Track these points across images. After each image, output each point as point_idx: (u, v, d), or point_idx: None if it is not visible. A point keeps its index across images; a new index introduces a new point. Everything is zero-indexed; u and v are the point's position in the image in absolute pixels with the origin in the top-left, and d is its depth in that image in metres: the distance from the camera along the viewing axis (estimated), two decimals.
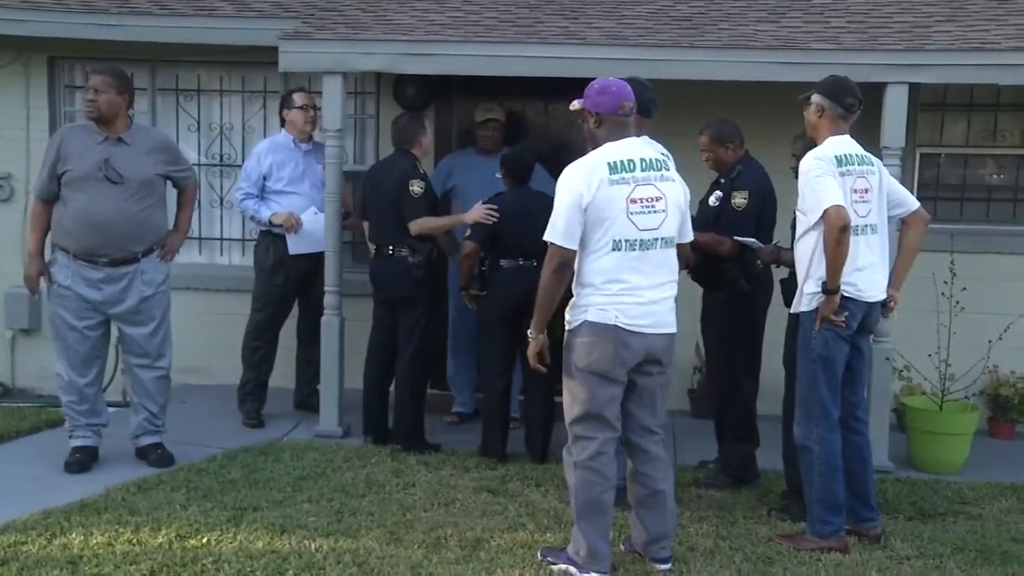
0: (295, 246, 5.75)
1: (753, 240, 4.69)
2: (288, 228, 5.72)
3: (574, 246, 3.64)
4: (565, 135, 6.38)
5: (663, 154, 3.88)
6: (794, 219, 4.46)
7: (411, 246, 5.26)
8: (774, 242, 4.77)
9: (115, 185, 4.78)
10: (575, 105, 3.77)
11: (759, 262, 4.69)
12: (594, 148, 3.74)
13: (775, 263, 4.65)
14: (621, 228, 3.61)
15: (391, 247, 5.30)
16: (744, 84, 5.30)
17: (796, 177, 4.70)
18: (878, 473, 4.68)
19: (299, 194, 5.83)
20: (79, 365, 4.94)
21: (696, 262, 4.78)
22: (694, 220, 4.86)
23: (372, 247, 5.55)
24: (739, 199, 4.77)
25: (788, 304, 4.46)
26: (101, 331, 5.00)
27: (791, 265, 4.45)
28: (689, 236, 3.88)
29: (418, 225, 5.25)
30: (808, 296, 4.08)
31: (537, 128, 6.46)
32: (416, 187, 5.26)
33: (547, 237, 3.67)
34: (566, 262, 3.67)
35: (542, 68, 5.37)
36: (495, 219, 5.21)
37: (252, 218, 5.85)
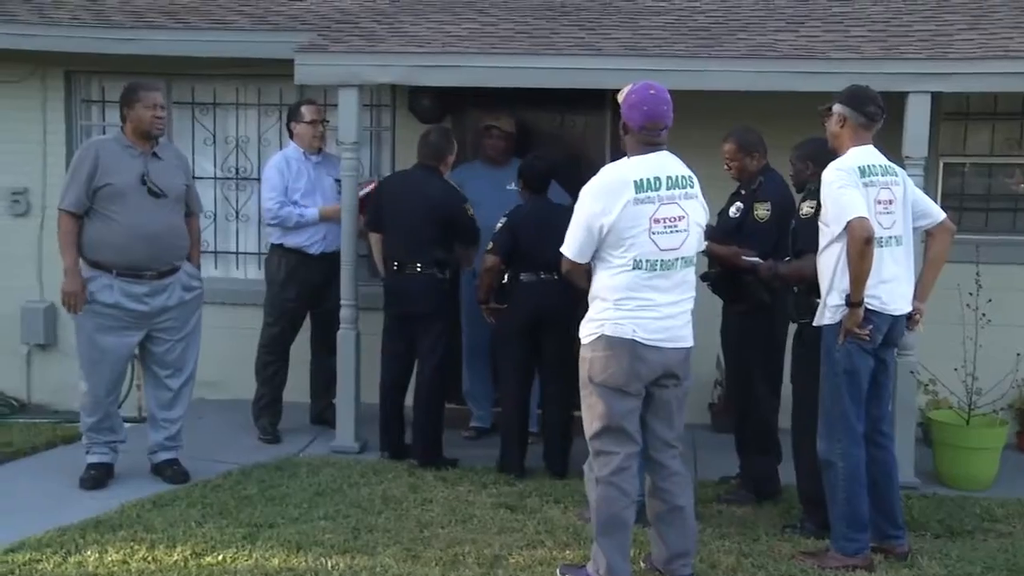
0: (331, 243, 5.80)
1: (755, 258, 4.66)
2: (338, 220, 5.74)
3: (586, 261, 3.69)
4: (581, 148, 6.39)
5: (689, 174, 3.83)
6: (794, 229, 4.48)
7: (440, 263, 5.31)
8: (786, 258, 4.68)
9: (157, 199, 4.83)
10: (619, 98, 3.77)
11: (759, 278, 4.64)
12: (624, 151, 3.77)
13: (774, 279, 4.59)
14: (643, 248, 3.60)
15: (419, 264, 5.29)
16: (763, 95, 5.28)
17: (797, 189, 4.68)
18: (904, 489, 4.62)
19: (311, 207, 5.81)
20: (112, 386, 4.95)
21: (716, 275, 4.82)
22: (713, 230, 4.87)
23: (385, 262, 5.47)
24: (761, 211, 4.73)
25: (793, 318, 4.45)
26: (134, 348, 5.00)
27: (789, 281, 4.44)
28: (701, 247, 3.87)
29: (475, 249, 5.39)
30: (831, 309, 4.04)
31: (553, 140, 6.41)
32: (470, 210, 5.37)
33: (563, 250, 3.71)
34: (578, 273, 3.74)
35: (557, 79, 5.37)
36: None
37: (298, 223, 5.74)
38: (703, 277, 4.71)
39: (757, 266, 4.64)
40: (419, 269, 5.30)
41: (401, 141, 6.44)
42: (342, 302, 5.63)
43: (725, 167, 4.92)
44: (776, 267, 4.58)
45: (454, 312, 5.52)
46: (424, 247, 5.32)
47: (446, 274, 5.34)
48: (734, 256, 4.71)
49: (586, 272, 3.75)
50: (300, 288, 5.84)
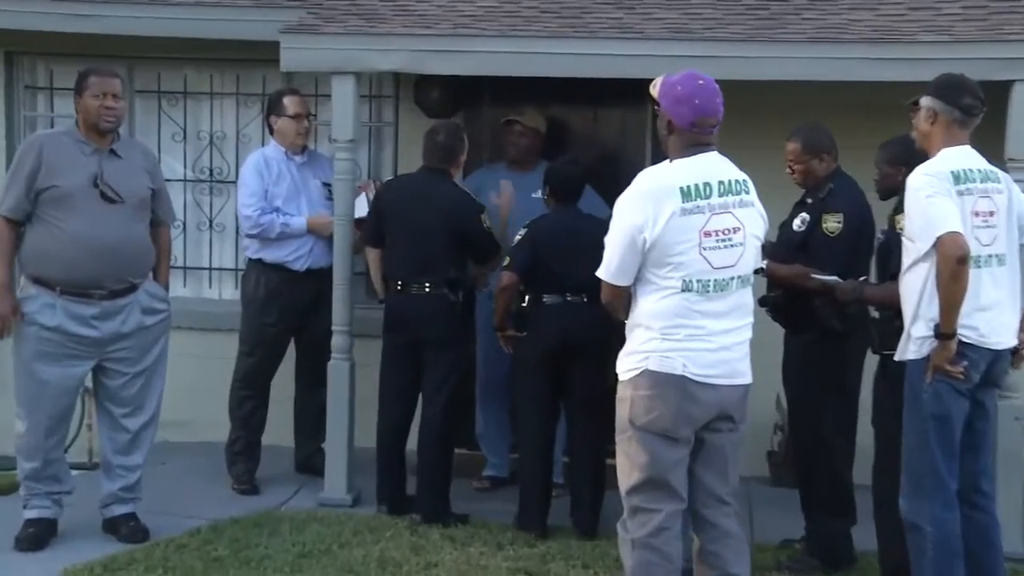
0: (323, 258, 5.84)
1: (832, 277, 4.62)
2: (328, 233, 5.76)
3: (628, 283, 3.68)
4: (618, 148, 6.40)
5: (744, 178, 3.81)
6: (883, 244, 4.46)
7: (452, 282, 5.34)
8: (861, 278, 4.69)
9: (112, 205, 4.77)
10: (653, 90, 3.77)
11: (838, 302, 4.59)
12: (666, 153, 3.77)
13: (857, 303, 4.56)
14: (692, 266, 3.59)
15: (427, 284, 5.33)
16: (833, 86, 5.23)
17: (881, 197, 4.71)
18: (1010, 562, 4.51)
19: (295, 215, 5.81)
20: (53, 425, 4.86)
21: (778, 298, 4.76)
22: (774, 247, 4.79)
23: (386, 281, 5.49)
24: (832, 223, 4.69)
25: (876, 348, 4.41)
26: (83, 380, 4.97)
27: (876, 304, 4.42)
28: (759, 264, 3.89)
29: (495, 264, 5.42)
30: (916, 341, 3.97)
31: (585, 139, 6.45)
32: (488, 221, 5.43)
33: (599, 273, 3.71)
34: (619, 299, 3.74)
35: (591, 67, 5.35)
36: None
37: (281, 235, 5.75)
38: (762, 301, 4.68)
39: (835, 287, 4.61)
40: (427, 290, 5.33)
41: (405, 139, 6.44)
42: (333, 327, 5.61)
43: (788, 171, 4.90)
44: (861, 289, 4.53)
45: (467, 340, 5.55)
46: (432, 264, 5.33)
47: (459, 296, 5.35)
48: (801, 276, 4.67)
49: (627, 299, 3.73)
50: (283, 311, 5.82)
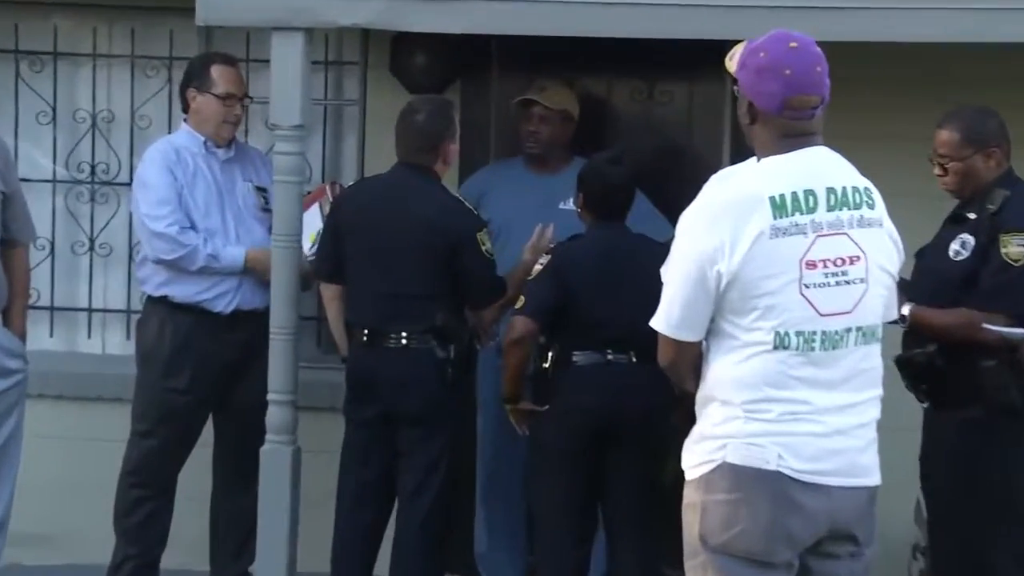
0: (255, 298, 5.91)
1: (1018, 330, 4.65)
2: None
3: (698, 337, 3.69)
4: (682, 139, 6.49)
5: (865, 186, 3.81)
6: None
7: (441, 331, 5.39)
8: None
9: None
10: (729, 64, 3.81)
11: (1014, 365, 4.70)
12: (751, 148, 3.83)
13: None
14: (790, 311, 3.58)
15: (405, 333, 5.41)
16: (991, 50, 5.28)
17: None
18: None
19: (217, 233, 5.85)
20: None
21: (926, 359, 4.75)
22: (916, 284, 4.80)
23: (348, 329, 5.57)
24: (1016, 247, 4.70)
25: None
26: None
27: None
28: (893, 314, 3.90)
29: (497, 310, 5.51)
30: None
31: (635, 127, 6.49)
32: (489, 242, 5.50)
33: (656, 322, 3.70)
34: (684, 360, 3.74)
35: (645, 23, 5.34)
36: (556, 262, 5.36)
37: (206, 269, 5.81)
38: (902, 362, 4.72)
39: (1021, 343, 4.64)
40: (405, 342, 5.41)
41: (376, 125, 6.47)
42: (270, 396, 5.63)
43: (937, 172, 4.93)
44: None
45: (463, 417, 5.60)
46: (413, 305, 5.38)
47: (450, 351, 5.38)
48: (967, 325, 4.68)
49: (696, 359, 3.75)
50: (197, 372, 5.85)
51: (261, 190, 5.94)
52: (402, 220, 5.42)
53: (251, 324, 5.82)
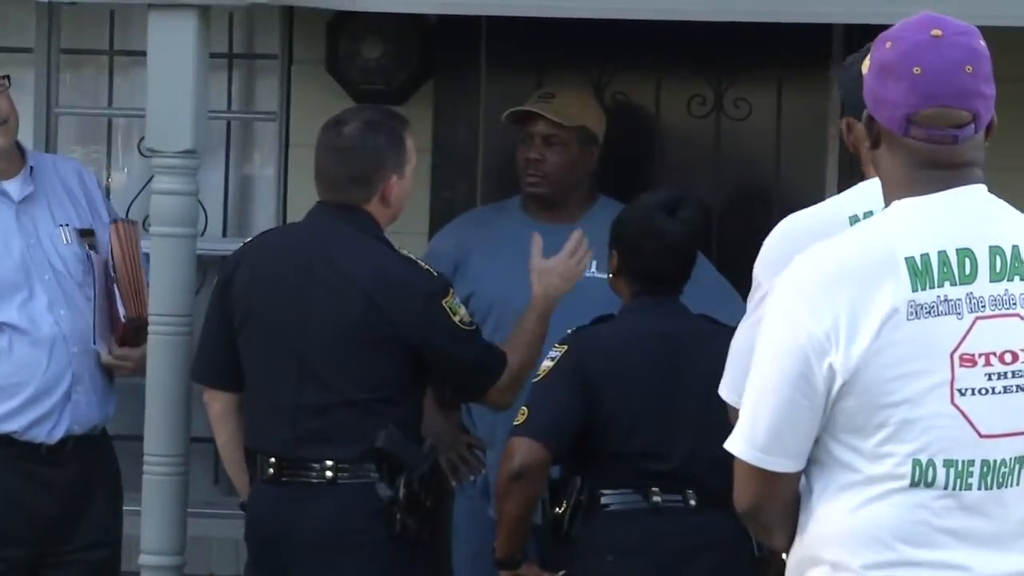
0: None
1: None
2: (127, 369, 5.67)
3: (795, 466, 3.50)
4: (765, 172, 6.41)
5: None
6: None
7: (386, 458, 5.26)
8: None
9: None
10: (865, 66, 3.57)
11: None
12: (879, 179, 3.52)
13: None
14: (936, 430, 3.34)
15: (329, 462, 5.29)
16: None
17: None
18: None
19: (7, 322, 5.77)
20: None
21: None
22: None
23: (250, 459, 5.46)
24: None
25: None
26: None
27: None
28: None
29: (508, 392, 5.43)
30: None
31: (695, 154, 6.48)
32: (460, 309, 5.38)
33: (732, 444, 3.45)
34: (773, 501, 3.53)
35: (705, 2, 5.38)
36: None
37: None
38: None
39: None
40: (329, 475, 5.28)
41: (305, 145, 6.28)
42: (141, 559, 5.60)
43: None
44: None
45: None
46: (342, 418, 5.28)
47: (399, 487, 5.23)
48: None
49: (791, 502, 3.59)
50: (10, 532, 5.80)
51: (86, 233, 5.78)
52: (327, 292, 5.28)
53: (86, 451, 5.76)
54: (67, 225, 5.79)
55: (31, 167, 5.87)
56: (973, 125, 3.45)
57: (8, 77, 5.84)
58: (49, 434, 5.75)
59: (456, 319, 5.25)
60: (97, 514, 5.66)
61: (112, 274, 5.68)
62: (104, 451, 5.58)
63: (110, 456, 5.52)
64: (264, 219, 6.49)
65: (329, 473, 5.26)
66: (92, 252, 5.78)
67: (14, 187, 5.81)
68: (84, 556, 5.77)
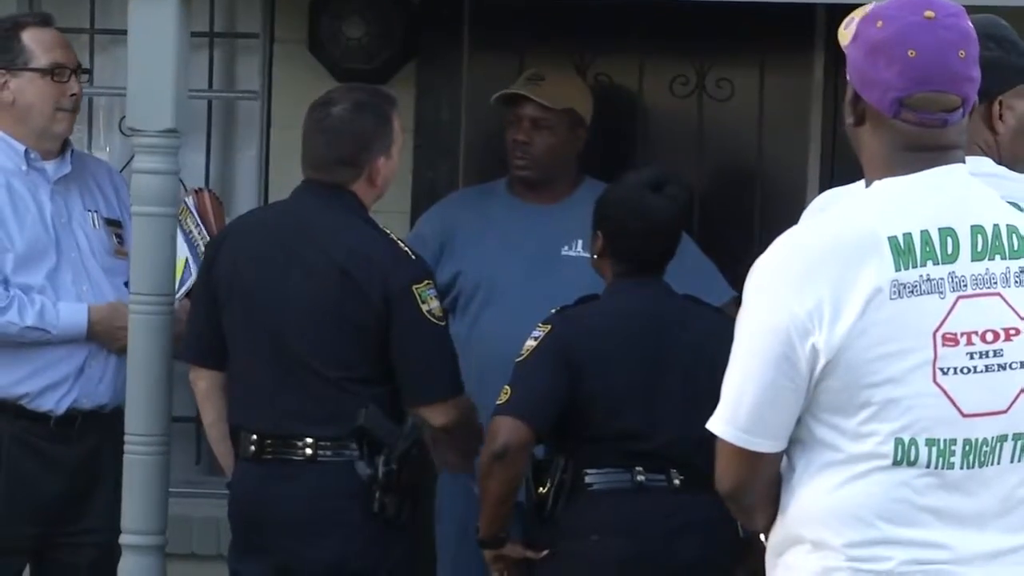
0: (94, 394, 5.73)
1: None
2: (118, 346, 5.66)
3: (775, 446, 3.51)
4: (748, 153, 6.53)
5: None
6: None
7: (367, 436, 5.28)
8: None
9: None
10: (843, 35, 3.60)
11: None
12: (860, 167, 3.55)
13: None
14: (918, 409, 3.38)
15: (309, 439, 5.31)
16: None
17: None
18: None
19: (33, 286, 5.76)
20: None
21: None
22: None
23: (234, 436, 5.49)
24: None
25: None
26: None
27: None
28: None
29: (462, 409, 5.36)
30: None
31: (678, 134, 6.56)
32: (432, 300, 5.34)
33: (715, 424, 3.50)
34: (754, 481, 3.57)
35: None
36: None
37: (23, 338, 5.82)
38: None
39: None
40: (309, 452, 5.32)
41: (286, 125, 6.45)
42: (123, 539, 5.57)
43: None
44: None
45: (410, 565, 5.46)
46: (322, 396, 5.29)
47: (378, 466, 5.26)
48: None
49: (772, 483, 3.57)
50: (8, 507, 5.82)
51: (113, 223, 5.77)
52: (305, 270, 5.31)
53: (95, 431, 5.71)
54: (96, 211, 5.84)
55: (72, 150, 5.93)
56: (962, 109, 3.51)
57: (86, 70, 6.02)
58: (57, 403, 5.80)
59: (424, 308, 5.27)
60: (105, 496, 5.69)
61: (201, 235, 5.88)
62: (115, 433, 5.58)
63: (121, 439, 5.46)
64: (246, 198, 6.54)
65: (309, 451, 5.33)
66: (117, 236, 5.82)
67: (51, 167, 5.87)
68: (91, 539, 5.79)
